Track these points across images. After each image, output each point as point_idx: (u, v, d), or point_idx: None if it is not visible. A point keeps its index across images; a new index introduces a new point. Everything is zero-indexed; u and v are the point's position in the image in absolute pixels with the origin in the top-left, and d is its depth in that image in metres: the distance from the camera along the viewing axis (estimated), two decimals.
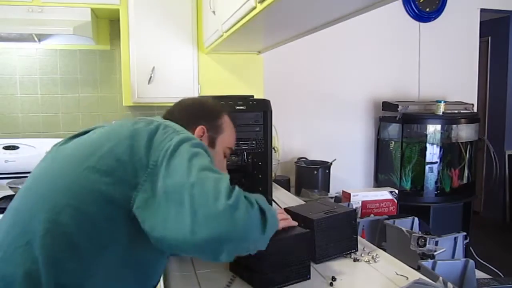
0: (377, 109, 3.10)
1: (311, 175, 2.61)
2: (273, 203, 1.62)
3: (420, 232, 1.61)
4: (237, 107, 1.63)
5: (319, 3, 1.33)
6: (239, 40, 2.02)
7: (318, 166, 2.62)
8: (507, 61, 4.21)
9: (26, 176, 1.01)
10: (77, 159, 0.89)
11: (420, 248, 1.50)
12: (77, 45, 2.60)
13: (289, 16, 1.49)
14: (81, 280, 0.81)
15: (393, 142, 2.94)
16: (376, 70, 3.10)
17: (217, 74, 2.45)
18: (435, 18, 3.17)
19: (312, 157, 2.92)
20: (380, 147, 3.09)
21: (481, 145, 3.68)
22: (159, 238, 0.79)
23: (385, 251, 1.39)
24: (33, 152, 2.45)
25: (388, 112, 2.97)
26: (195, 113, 1.16)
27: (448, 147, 2.88)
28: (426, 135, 2.82)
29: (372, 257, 1.28)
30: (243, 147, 1.66)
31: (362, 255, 1.31)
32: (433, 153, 2.83)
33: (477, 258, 2.77)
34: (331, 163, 2.68)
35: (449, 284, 1.08)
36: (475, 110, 3.10)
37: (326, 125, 3.03)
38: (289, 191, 2.47)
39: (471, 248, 2.81)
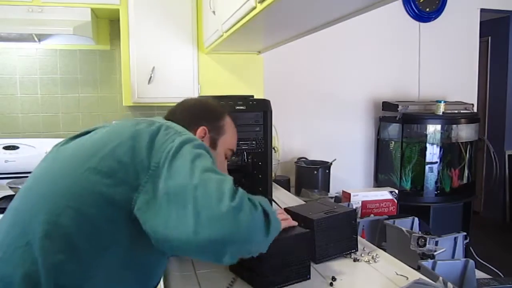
0: (377, 109, 3.10)
1: (311, 175, 2.61)
2: (273, 203, 1.62)
3: (420, 232, 1.61)
4: (237, 107, 1.63)
5: (319, 3, 1.33)
6: (239, 40, 2.02)
7: (318, 166, 2.62)
8: (507, 61, 4.21)
9: (26, 176, 1.01)
10: (78, 160, 0.89)
11: (420, 248, 1.50)
12: (77, 45, 2.60)
13: (289, 16, 1.49)
14: (81, 281, 0.81)
15: (393, 142, 2.94)
16: (376, 70, 3.10)
17: (217, 74, 2.44)
18: (435, 18, 3.17)
19: (312, 157, 2.92)
20: (380, 147, 3.09)
21: (481, 145, 3.68)
22: (161, 239, 0.79)
23: (385, 251, 1.39)
24: (33, 152, 2.45)
25: (388, 112, 2.97)
26: (197, 113, 1.15)
27: (448, 147, 2.88)
28: (426, 135, 2.82)
29: (372, 257, 1.28)
30: (243, 147, 1.66)
31: (362, 255, 1.31)
32: (433, 153, 2.83)
33: (477, 258, 2.77)
34: (331, 163, 2.68)
35: (449, 284, 1.08)
36: (475, 110, 3.10)
37: (326, 125, 3.03)
38: (289, 191, 2.47)
39: (471, 248, 2.81)
